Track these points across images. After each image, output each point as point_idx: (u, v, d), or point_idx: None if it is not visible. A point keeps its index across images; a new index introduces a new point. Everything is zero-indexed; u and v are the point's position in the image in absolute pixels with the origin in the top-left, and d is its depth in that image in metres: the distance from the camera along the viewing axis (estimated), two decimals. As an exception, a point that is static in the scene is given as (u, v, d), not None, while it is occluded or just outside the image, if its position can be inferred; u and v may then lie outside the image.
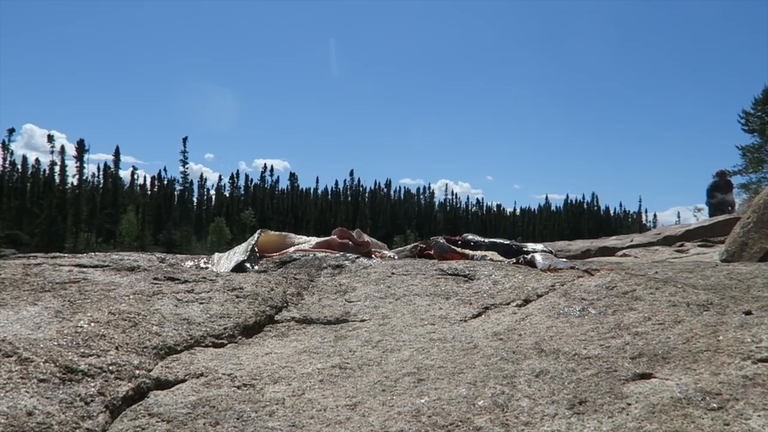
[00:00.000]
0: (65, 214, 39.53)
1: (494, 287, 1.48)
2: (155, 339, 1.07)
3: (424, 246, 2.27)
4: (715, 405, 0.73)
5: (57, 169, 41.28)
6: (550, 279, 1.49)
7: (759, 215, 2.54)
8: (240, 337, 1.19)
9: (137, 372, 0.93)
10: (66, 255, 2.03)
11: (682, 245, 5.75)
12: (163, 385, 0.92)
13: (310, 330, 1.26)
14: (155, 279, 1.48)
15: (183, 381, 0.94)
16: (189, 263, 2.05)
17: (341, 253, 2.05)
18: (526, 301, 1.35)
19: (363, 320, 1.30)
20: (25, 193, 40.35)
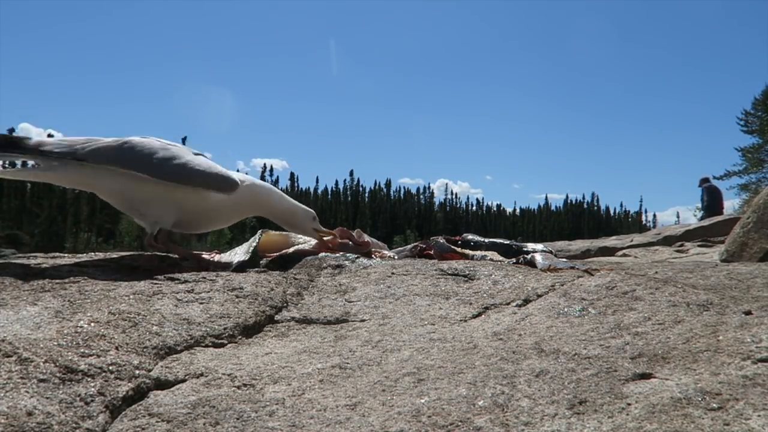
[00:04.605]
0: (65, 214, 39.52)
1: (494, 287, 1.48)
2: (155, 339, 1.07)
3: (424, 246, 2.27)
4: (715, 405, 0.73)
5: (57, 169, 41.14)
6: (550, 279, 1.49)
7: (759, 215, 2.54)
8: (240, 337, 1.19)
9: (137, 372, 0.93)
10: (66, 255, 2.03)
11: (682, 245, 5.76)
12: (163, 385, 0.92)
13: (310, 330, 1.26)
14: (155, 279, 1.48)
15: (183, 381, 0.94)
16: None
17: (341, 253, 2.05)
18: (526, 301, 1.34)
19: (363, 320, 1.30)
20: (25, 193, 40.25)
